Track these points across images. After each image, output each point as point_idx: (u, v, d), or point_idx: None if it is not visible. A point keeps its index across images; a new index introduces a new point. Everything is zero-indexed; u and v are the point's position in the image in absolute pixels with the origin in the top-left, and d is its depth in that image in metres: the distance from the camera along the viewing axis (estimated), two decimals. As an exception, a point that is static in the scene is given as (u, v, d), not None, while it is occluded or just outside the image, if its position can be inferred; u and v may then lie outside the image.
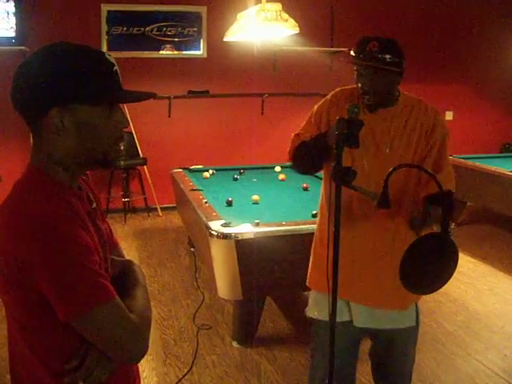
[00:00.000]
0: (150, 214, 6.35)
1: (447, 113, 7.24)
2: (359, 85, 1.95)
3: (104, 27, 6.01)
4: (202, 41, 6.34)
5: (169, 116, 6.40)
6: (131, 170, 6.21)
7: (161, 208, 6.36)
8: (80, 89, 1.06)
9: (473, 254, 4.94)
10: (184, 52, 6.34)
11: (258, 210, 3.67)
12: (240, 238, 2.96)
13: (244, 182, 4.70)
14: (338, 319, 1.70)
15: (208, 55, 6.36)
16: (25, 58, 1.09)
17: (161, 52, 6.27)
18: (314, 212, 3.34)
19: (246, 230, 3.02)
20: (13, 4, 5.49)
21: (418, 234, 1.88)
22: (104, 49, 5.92)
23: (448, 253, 1.65)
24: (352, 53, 1.97)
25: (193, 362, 3.15)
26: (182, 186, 4.33)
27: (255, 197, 3.89)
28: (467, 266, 4.65)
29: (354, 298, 2.06)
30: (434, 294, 1.84)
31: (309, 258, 2.24)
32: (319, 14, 6.43)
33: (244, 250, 2.97)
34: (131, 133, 5.99)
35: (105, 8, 5.98)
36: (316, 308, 2.17)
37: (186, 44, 6.33)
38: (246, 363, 3.15)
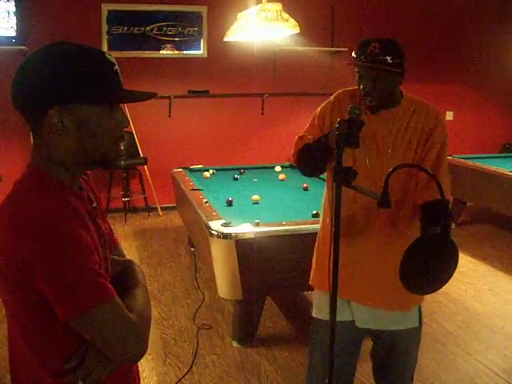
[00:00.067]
0: (151, 213, 6.36)
1: (447, 113, 7.24)
2: (361, 87, 1.95)
3: (104, 27, 6.01)
4: (202, 41, 6.34)
5: (169, 116, 6.40)
6: (131, 170, 6.21)
7: (161, 208, 6.36)
8: (80, 88, 1.06)
9: (473, 254, 4.94)
10: (184, 52, 6.34)
11: (258, 209, 3.67)
12: (240, 237, 2.96)
13: (244, 182, 4.70)
14: (338, 319, 1.70)
15: (208, 55, 6.36)
16: (25, 58, 1.09)
17: (161, 52, 6.27)
18: (314, 212, 3.35)
19: (246, 229, 3.02)
20: (13, 3, 5.49)
21: None
22: (104, 48, 5.92)
23: (448, 253, 1.65)
24: (353, 54, 1.97)
25: (193, 362, 3.15)
26: (182, 185, 4.33)
27: (255, 197, 3.89)
28: (467, 266, 4.65)
29: (354, 298, 2.06)
30: (434, 294, 1.84)
31: (309, 258, 2.25)
32: (320, 13, 6.43)
33: (244, 249, 2.97)
34: (131, 132, 5.99)
35: (105, 8, 5.98)
36: (316, 307, 2.17)
37: (187, 44, 6.33)
38: (246, 363, 3.15)
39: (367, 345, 2.33)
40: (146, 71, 6.14)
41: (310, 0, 6.30)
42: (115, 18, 6.04)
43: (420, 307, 2.14)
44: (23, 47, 5.41)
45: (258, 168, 5.26)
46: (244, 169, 5.11)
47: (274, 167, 5.19)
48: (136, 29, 6.13)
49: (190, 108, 6.47)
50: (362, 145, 1.71)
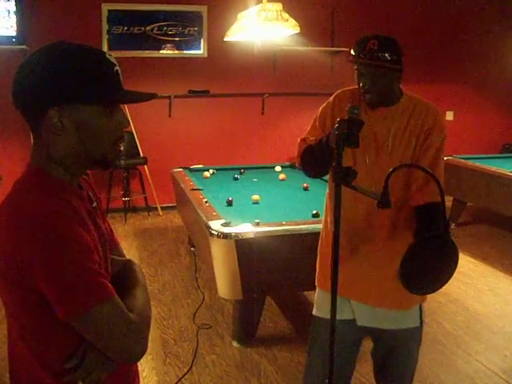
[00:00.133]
0: (151, 213, 6.36)
1: (448, 113, 7.24)
2: (360, 84, 1.96)
3: (105, 26, 6.01)
4: (202, 40, 6.34)
5: (169, 115, 6.40)
6: (132, 170, 6.21)
7: (161, 207, 6.36)
8: (80, 89, 1.06)
9: (473, 254, 4.94)
10: (184, 51, 6.34)
11: (258, 209, 3.67)
12: (240, 237, 2.96)
13: (244, 182, 4.70)
14: (339, 317, 1.71)
15: (208, 55, 6.36)
16: (25, 58, 1.09)
17: (161, 51, 6.27)
18: (314, 212, 3.35)
19: (246, 229, 3.02)
20: (13, 3, 5.49)
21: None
22: (105, 48, 5.92)
23: (448, 253, 1.65)
24: (352, 52, 1.98)
25: (193, 362, 3.15)
26: (182, 185, 4.33)
27: (255, 196, 3.89)
28: (467, 266, 4.65)
29: (355, 297, 2.07)
30: (434, 294, 1.85)
31: (309, 258, 2.26)
32: (320, 13, 6.43)
33: (244, 249, 2.97)
34: (132, 132, 5.99)
35: (105, 7, 5.98)
36: (317, 305, 2.18)
37: (187, 43, 6.33)
38: (246, 363, 3.15)
39: (367, 345, 2.33)
40: (146, 71, 6.14)
41: (310, 0, 6.30)
42: (115, 17, 6.04)
43: (421, 306, 2.14)
44: (23, 47, 5.41)
45: (258, 168, 5.26)
46: (244, 169, 5.11)
47: (274, 167, 5.19)
48: (136, 28, 6.13)
49: (190, 108, 6.47)
50: (361, 143, 1.72)
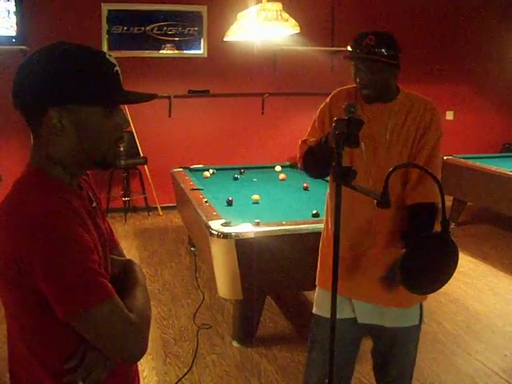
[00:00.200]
0: (151, 213, 6.36)
1: (448, 112, 7.24)
2: (357, 79, 1.97)
3: (104, 26, 6.01)
4: (202, 40, 6.34)
5: (169, 115, 6.40)
6: (132, 170, 6.21)
7: (161, 207, 6.36)
8: (80, 89, 1.06)
9: (473, 253, 4.94)
10: (184, 51, 6.34)
11: (258, 209, 3.67)
12: (240, 237, 2.96)
13: (244, 182, 4.70)
14: (339, 316, 1.71)
15: (208, 55, 6.36)
16: (25, 58, 1.09)
17: (161, 51, 6.27)
18: (315, 212, 3.35)
19: (246, 229, 3.02)
20: (13, 3, 5.49)
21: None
22: (104, 48, 5.92)
23: (448, 252, 1.65)
24: (349, 48, 1.99)
25: (193, 362, 3.15)
26: (182, 185, 4.33)
27: (255, 196, 3.89)
28: (467, 265, 4.65)
29: (356, 296, 2.07)
30: (435, 293, 1.84)
31: (309, 258, 2.26)
32: (320, 13, 6.43)
33: (244, 249, 2.97)
34: (132, 132, 5.99)
35: (105, 7, 5.98)
36: (317, 304, 2.19)
37: (187, 43, 6.33)
38: (246, 363, 3.15)
39: (367, 344, 2.33)
40: (146, 71, 6.14)
41: (310, 0, 6.29)
42: (115, 17, 6.04)
43: (421, 305, 2.14)
44: (23, 47, 5.41)
45: (258, 168, 5.26)
46: (244, 168, 5.11)
47: (274, 167, 5.19)
48: (136, 28, 6.13)
49: (190, 108, 6.47)
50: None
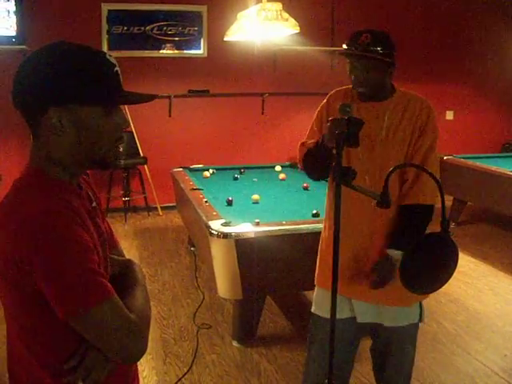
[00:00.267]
0: (151, 213, 6.36)
1: (448, 112, 7.24)
2: (352, 77, 1.98)
3: (104, 26, 6.01)
4: (202, 40, 6.34)
5: (169, 115, 6.40)
6: (131, 170, 6.20)
7: (161, 207, 6.36)
8: (80, 89, 1.05)
9: (473, 253, 4.94)
10: (184, 51, 6.34)
11: (258, 209, 3.67)
12: (240, 237, 2.96)
13: (244, 182, 4.70)
14: (338, 316, 1.71)
15: (208, 54, 6.36)
16: (25, 58, 1.09)
17: (161, 51, 6.26)
18: (314, 212, 3.35)
19: (246, 229, 3.02)
20: (13, 3, 5.48)
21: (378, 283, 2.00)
22: (104, 48, 5.92)
23: (448, 252, 1.65)
24: (344, 46, 2.00)
25: (193, 362, 3.15)
26: (182, 185, 4.33)
27: (255, 196, 3.89)
28: (468, 265, 4.65)
29: (355, 295, 2.07)
30: (435, 293, 1.85)
31: (309, 258, 2.27)
32: (320, 13, 6.43)
33: (244, 249, 2.97)
34: (131, 132, 5.99)
35: (105, 7, 5.97)
36: (316, 303, 2.19)
37: (187, 43, 6.33)
38: (246, 363, 3.15)
39: (367, 344, 2.33)
40: (146, 71, 6.14)
41: (310, 0, 6.29)
42: (115, 17, 6.04)
43: (421, 304, 2.14)
44: (23, 47, 5.41)
45: (258, 167, 5.26)
46: (244, 168, 5.11)
47: (274, 167, 5.19)
48: (136, 28, 6.12)
49: (190, 107, 6.47)
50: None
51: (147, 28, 6.15)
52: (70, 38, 1.13)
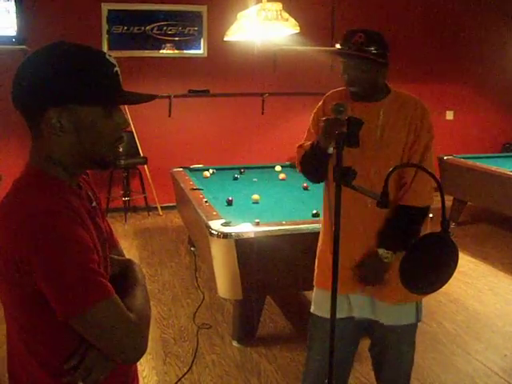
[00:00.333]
0: (151, 213, 6.36)
1: (448, 112, 7.24)
2: (345, 76, 1.99)
3: (104, 26, 6.01)
4: (202, 40, 6.34)
5: (169, 115, 6.40)
6: (131, 169, 6.20)
7: (161, 207, 6.36)
8: (80, 89, 1.06)
9: (473, 253, 4.94)
10: (184, 51, 6.34)
11: (258, 209, 3.67)
12: (240, 237, 2.96)
13: (244, 182, 4.70)
14: (337, 315, 1.71)
15: (208, 54, 6.36)
16: (25, 58, 1.09)
17: (161, 51, 6.26)
18: (314, 211, 3.35)
19: (246, 229, 3.02)
20: (13, 3, 5.48)
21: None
22: (104, 48, 5.92)
23: (448, 252, 1.65)
24: (338, 45, 2.00)
25: (193, 362, 3.15)
26: (182, 185, 4.33)
27: (255, 196, 3.89)
28: (468, 265, 4.64)
29: (351, 290, 2.08)
30: (435, 293, 1.85)
31: (309, 258, 2.28)
32: (320, 13, 6.43)
33: (244, 249, 2.97)
34: (131, 132, 5.99)
35: (105, 7, 5.97)
36: (315, 303, 2.21)
37: (187, 43, 6.33)
38: (246, 363, 3.15)
39: (367, 344, 2.33)
40: (146, 71, 6.14)
41: (310, 0, 6.29)
42: (115, 17, 6.03)
43: (418, 304, 2.14)
44: (23, 47, 5.41)
45: (258, 167, 5.26)
46: (244, 168, 5.10)
47: (274, 167, 5.19)
48: (136, 28, 6.12)
49: (190, 107, 6.47)
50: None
51: (147, 28, 6.15)
52: (69, 38, 1.13)
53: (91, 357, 1.07)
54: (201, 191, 4.01)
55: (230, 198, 3.81)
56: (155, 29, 6.18)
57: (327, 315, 1.85)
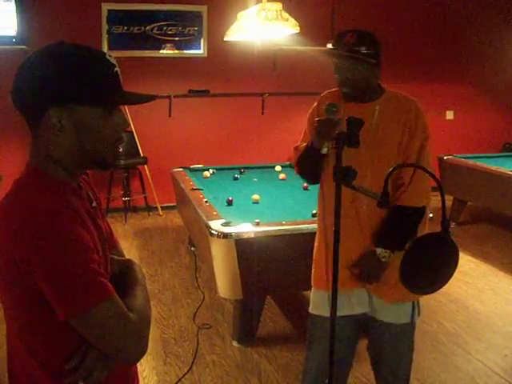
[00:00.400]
0: (151, 213, 6.36)
1: (448, 112, 7.24)
2: (337, 76, 2.00)
3: (104, 26, 6.01)
4: (202, 40, 6.34)
5: (169, 115, 6.40)
6: (132, 170, 6.20)
7: (161, 207, 6.36)
8: (80, 89, 1.05)
9: (473, 253, 4.94)
10: (184, 51, 6.34)
11: (258, 209, 3.67)
12: (240, 237, 2.96)
13: (244, 182, 4.70)
14: (328, 314, 1.72)
15: (208, 54, 6.36)
16: (26, 58, 1.09)
17: (161, 51, 6.26)
18: (314, 212, 3.34)
19: (246, 229, 3.02)
20: (14, 3, 5.48)
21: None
22: (104, 48, 5.92)
23: (448, 252, 1.65)
24: (329, 46, 2.01)
25: (193, 362, 3.15)
26: (182, 185, 4.33)
27: (255, 196, 3.89)
28: (468, 265, 4.64)
29: (347, 285, 2.08)
30: (435, 293, 1.85)
31: (309, 258, 2.28)
32: (320, 13, 6.42)
33: (244, 249, 2.97)
34: (132, 132, 5.99)
35: (105, 7, 5.97)
36: (313, 303, 2.21)
37: (187, 43, 6.33)
38: (246, 363, 3.15)
39: (366, 344, 2.33)
40: (146, 71, 6.14)
41: (310, 0, 6.29)
42: (115, 17, 6.04)
43: (414, 304, 2.14)
44: (23, 47, 5.40)
45: (258, 167, 5.26)
46: (244, 168, 5.10)
47: (274, 167, 5.19)
48: (136, 28, 6.12)
49: (190, 108, 6.47)
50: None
51: (147, 28, 6.15)
52: (70, 38, 1.13)
53: (92, 357, 1.07)
54: (201, 191, 4.01)
55: (230, 198, 3.81)
56: (155, 29, 6.18)
57: (324, 314, 1.86)
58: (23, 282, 1.02)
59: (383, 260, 2.00)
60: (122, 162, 5.68)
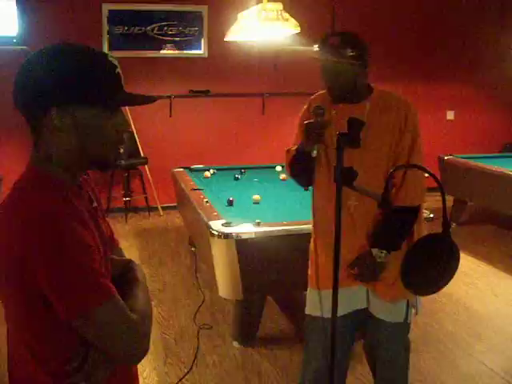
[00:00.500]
0: (151, 213, 6.35)
1: (448, 112, 7.23)
2: (323, 78, 2.00)
3: (105, 27, 6.01)
4: (202, 40, 6.34)
5: (170, 115, 6.40)
6: (132, 170, 6.21)
7: (162, 207, 6.36)
8: (81, 90, 1.06)
9: (474, 254, 4.93)
10: (185, 51, 6.34)
11: (258, 209, 3.67)
12: (241, 237, 2.96)
13: (245, 182, 4.69)
14: (326, 315, 1.72)
15: (209, 55, 6.36)
16: (27, 58, 1.09)
17: (162, 51, 6.27)
18: (315, 212, 3.35)
19: (246, 229, 3.02)
20: (14, 3, 5.48)
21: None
22: (105, 48, 5.93)
23: (449, 253, 1.65)
24: (315, 48, 2.01)
25: (193, 362, 3.15)
26: (182, 185, 4.33)
27: (256, 196, 3.89)
28: (469, 266, 4.64)
29: (342, 283, 2.09)
30: (436, 294, 1.85)
31: (309, 258, 2.28)
32: (320, 13, 6.42)
33: (245, 249, 2.97)
34: (132, 132, 5.99)
35: (106, 7, 5.97)
36: (309, 304, 2.23)
37: (187, 43, 6.33)
38: (247, 363, 3.15)
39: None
40: (146, 71, 6.14)
41: (310, 0, 6.29)
42: (116, 17, 6.04)
43: (409, 304, 2.14)
44: (24, 47, 5.40)
45: (258, 168, 5.26)
46: (245, 168, 5.10)
47: (274, 167, 5.18)
48: (137, 28, 6.12)
49: (190, 108, 6.47)
50: (330, 142, 1.83)
51: (148, 28, 6.15)
52: (70, 39, 1.13)
53: (93, 357, 1.07)
54: (201, 191, 4.01)
55: (231, 199, 3.81)
56: (156, 29, 6.18)
57: (314, 312, 1.88)
58: (25, 282, 1.01)
59: (379, 260, 2.01)
60: (123, 162, 5.68)
